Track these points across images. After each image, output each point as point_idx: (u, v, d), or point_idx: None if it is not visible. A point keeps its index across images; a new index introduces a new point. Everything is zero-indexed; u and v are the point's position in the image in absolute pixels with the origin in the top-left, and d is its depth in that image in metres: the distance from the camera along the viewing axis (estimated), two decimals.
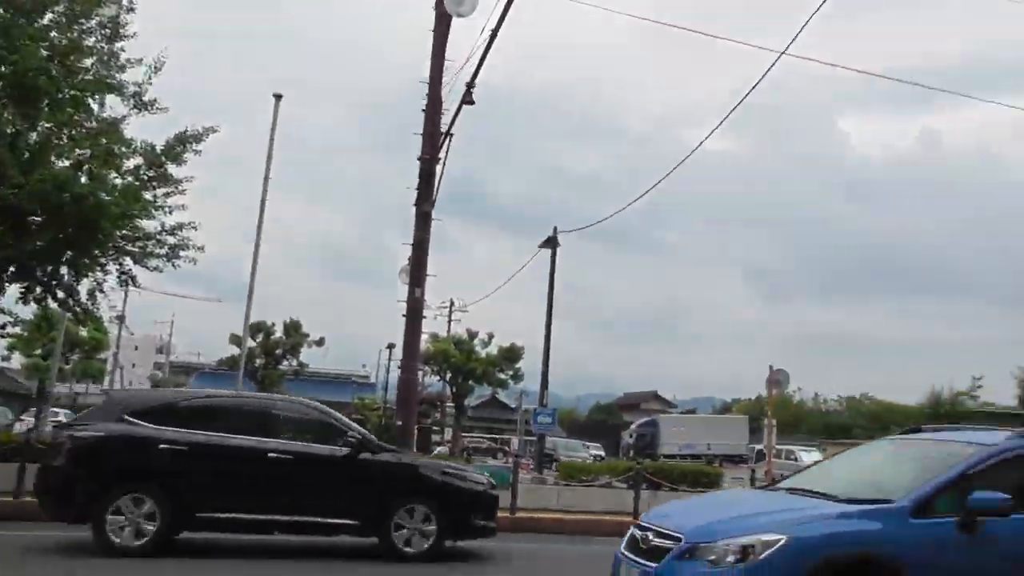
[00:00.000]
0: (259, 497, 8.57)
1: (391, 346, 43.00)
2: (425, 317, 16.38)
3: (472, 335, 40.93)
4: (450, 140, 14.39)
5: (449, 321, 43.27)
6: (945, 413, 20.27)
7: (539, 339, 26.62)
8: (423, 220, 14.48)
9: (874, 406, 68.32)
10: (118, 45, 12.84)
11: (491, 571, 9.29)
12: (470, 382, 41.20)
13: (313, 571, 8.64)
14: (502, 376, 41.41)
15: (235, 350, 36.54)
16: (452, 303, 42.98)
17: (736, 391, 67.84)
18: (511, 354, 40.41)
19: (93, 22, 12.57)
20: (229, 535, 8.80)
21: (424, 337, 34.79)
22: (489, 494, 9.57)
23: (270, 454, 8.59)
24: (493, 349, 40.72)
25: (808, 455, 37.82)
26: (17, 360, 43.92)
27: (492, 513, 9.50)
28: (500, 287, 53.27)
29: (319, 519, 8.68)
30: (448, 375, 40.34)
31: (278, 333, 42.40)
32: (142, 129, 13.65)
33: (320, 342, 44.06)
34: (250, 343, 37.81)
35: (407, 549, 8.75)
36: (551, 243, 26.17)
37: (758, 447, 28.20)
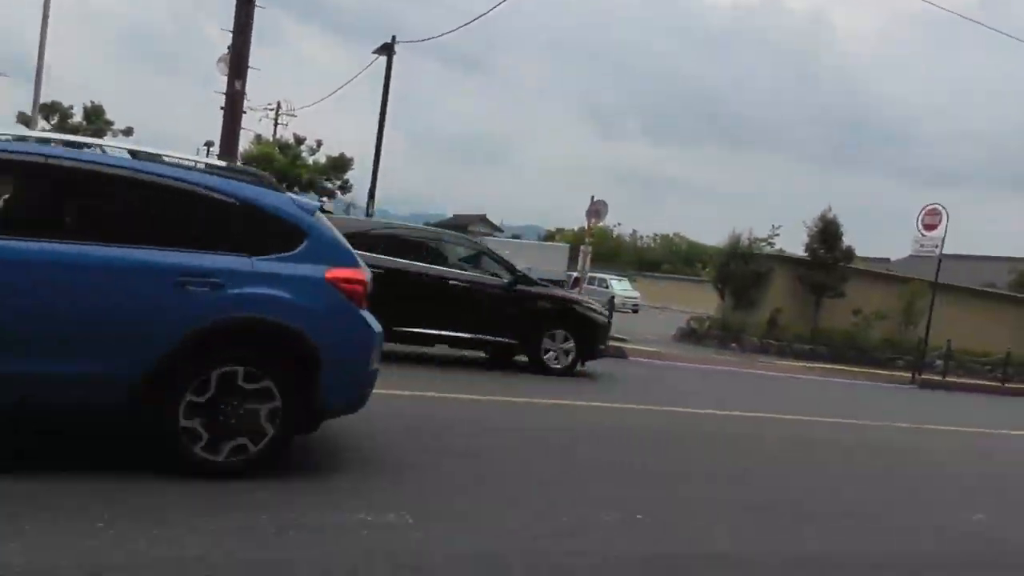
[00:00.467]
0: (442, 316, 10.08)
1: (209, 144, 40.08)
2: (247, 113, 15.15)
3: (299, 140, 38.86)
4: None
5: (275, 124, 40.78)
6: (742, 255, 21.90)
7: (370, 152, 25.73)
8: (245, 4, 13.00)
9: (684, 245, 73.68)
10: None
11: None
12: (295, 189, 39.58)
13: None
14: (329, 186, 40.07)
15: (24, 131, 32.56)
16: (279, 105, 40.31)
17: (561, 221, 70.34)
18: (340, 164, 38.95)
19: None
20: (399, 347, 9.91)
21: (248, 137, 32.48)
22: (607, 324, 11.91)
23: (451, 281, 10.24)
24: (321, 157, 39.01)
25: (619, 284, 40.74)
26: None
27: (607, 340, 11.87)
28: (332, 93, 50.58)
29: (488, 336, 10.45)
30: None
31: (77, 118, 38.15)
32: None
33: (128, 132, 40.28)
34: (43, 125, 33.86)
35: (553, 365, 10.73)
36: (387, 50, 24.70)
37: (574, 274, 29.63)
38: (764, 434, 8.59)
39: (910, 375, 18.43)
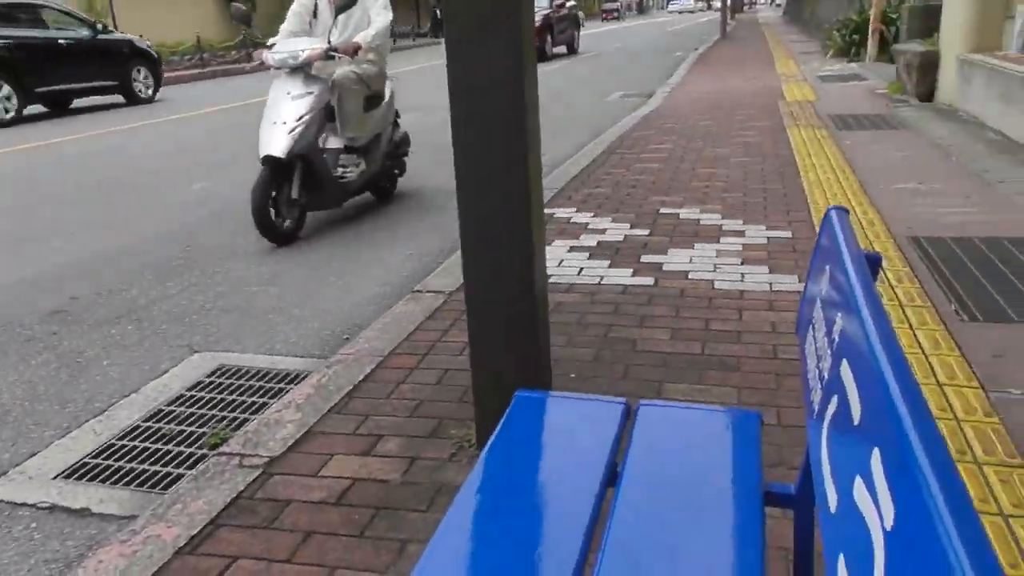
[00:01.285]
0: (64, 73, 11.98)
1: None
2: None
3: None
4: None
5: None
6: None
7: None
8: None
9: None
10: None
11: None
12: None
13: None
14: None
15: None
16: None
17: None
18: None
19: None
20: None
21: None
22: (159, 56, 14.60)
23: (59, 41, 11.98)
24: None
25: None
26: None
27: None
28: None
29: (99, 83, 12.75)
30: None
31: None
32: None
33: None
34: None
35: (141, 96, 13.58)
36: None
37: None
38: None
39: None
